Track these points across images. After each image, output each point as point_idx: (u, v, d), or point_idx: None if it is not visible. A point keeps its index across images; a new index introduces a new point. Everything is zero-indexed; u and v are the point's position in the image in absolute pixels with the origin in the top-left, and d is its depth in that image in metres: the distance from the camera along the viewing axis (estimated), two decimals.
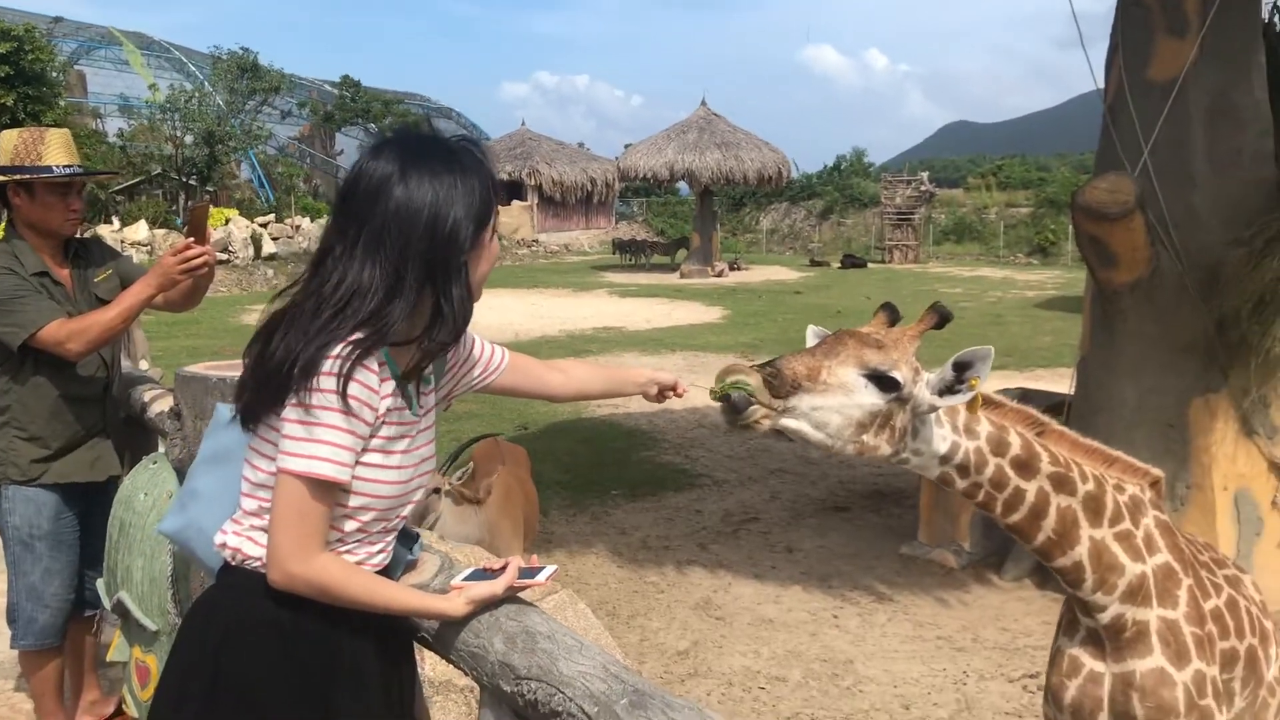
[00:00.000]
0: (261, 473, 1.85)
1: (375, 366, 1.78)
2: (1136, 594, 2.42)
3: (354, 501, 1.83)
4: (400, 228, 1.79)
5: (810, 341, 2.35)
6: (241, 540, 1.87)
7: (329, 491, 1.77)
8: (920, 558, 6.91)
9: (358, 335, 1.76)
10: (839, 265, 31.68)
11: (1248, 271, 5.56)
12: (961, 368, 2.21)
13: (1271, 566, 6.00)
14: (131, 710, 3.32)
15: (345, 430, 1.74)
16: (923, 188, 35.45)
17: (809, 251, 37.10)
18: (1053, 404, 7.07)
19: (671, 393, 2.48)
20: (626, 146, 33.42)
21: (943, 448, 2.30)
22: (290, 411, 1.75)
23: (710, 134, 30.00)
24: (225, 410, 2.12)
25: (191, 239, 3.38)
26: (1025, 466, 2.37)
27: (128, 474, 3.66)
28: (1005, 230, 35.70)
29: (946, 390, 2.22)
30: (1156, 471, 2.53)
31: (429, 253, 1.80)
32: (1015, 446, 2.36)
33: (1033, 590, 6.36)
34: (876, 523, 7.76)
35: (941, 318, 2.24)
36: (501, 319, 19.57)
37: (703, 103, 31.46)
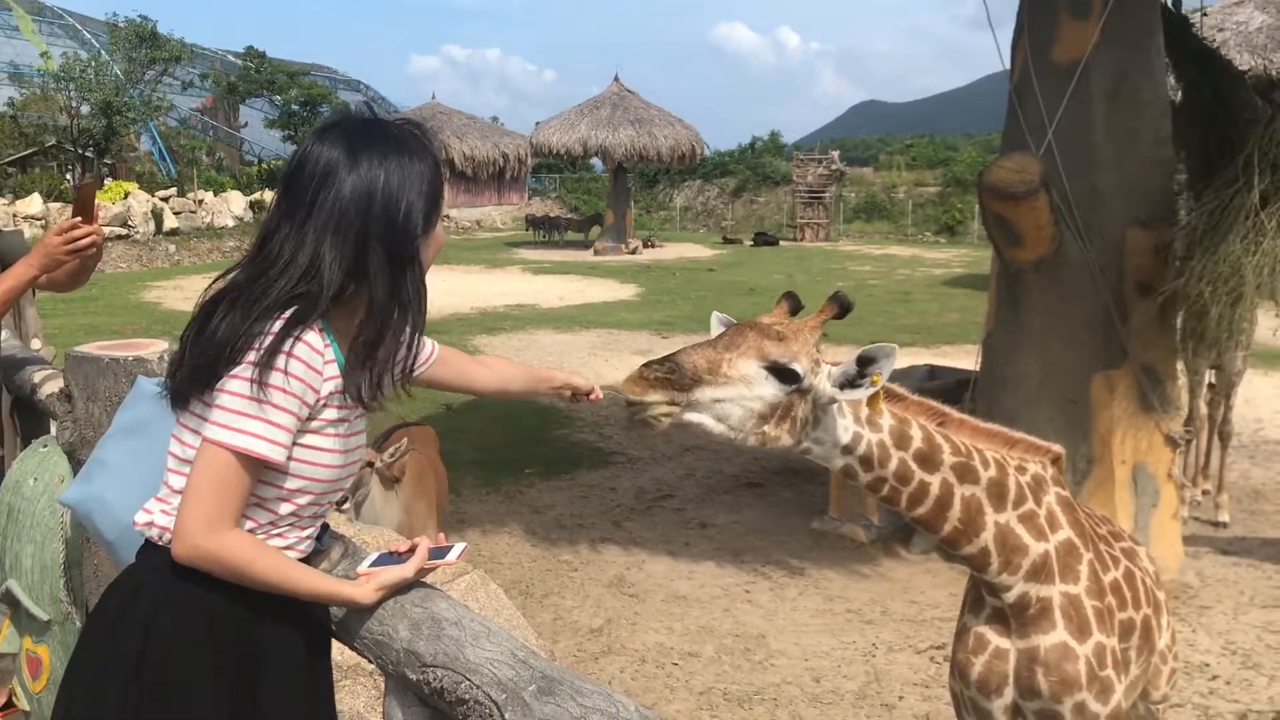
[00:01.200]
0: (190, 449, 1.78)
1: (320, 347, 1.74)
2: (1040, 572, 2.47)
3: (291, 484, 1.78)
4: (356, 211, 1.76)
5: (715, 329, 2.34)
6: (171, 519, 1.79)
7: (254, 469, 1.72)
8: (831, 532, 6.99)
9: (303, 315, 1.72)
10: (751, 243, 31.87)
11: (1165, 270, 5.71)
12: (865, 363, 2.21)
13: (1167, 536, 6.21)
14: (23, 703, 3.18)
15: (283, 410, 1.70)
16: (833, 167, 35.78)
17: (722, 229, 37.27)
18: (959, 380, 7.21)
19: (585, 398, 2.48)
20: (539, 122, 33.11)
21: (844, 438, 2.30)
22: (230, 384, 1.70)
23: (624, 110, 29.89)
24: (146, 383, 2.05)
25: (78, 218, 3.23)
26: (928, 460, 2.38)
27: (14, 458, 3.51)
28: (914, 209, 36.27)
29: (848, 384, 2.22)
30: (1057, 448, 2.57)
31: (386, 237, 1.77)
32: (917, 439, 2.37)
33: (940, 563, 6.48)
34: (789, 498, 7.84)
35: (842, 308, 2.24)
36: None
37: (615, 79, 31.32)
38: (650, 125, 29.72)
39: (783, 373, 2.17)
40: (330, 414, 1.79)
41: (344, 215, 1.75)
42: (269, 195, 30.99)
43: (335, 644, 2.02)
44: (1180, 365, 6.66)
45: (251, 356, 1.70)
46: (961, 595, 2.80)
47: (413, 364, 2.02)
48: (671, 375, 2.10)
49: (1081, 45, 5.86)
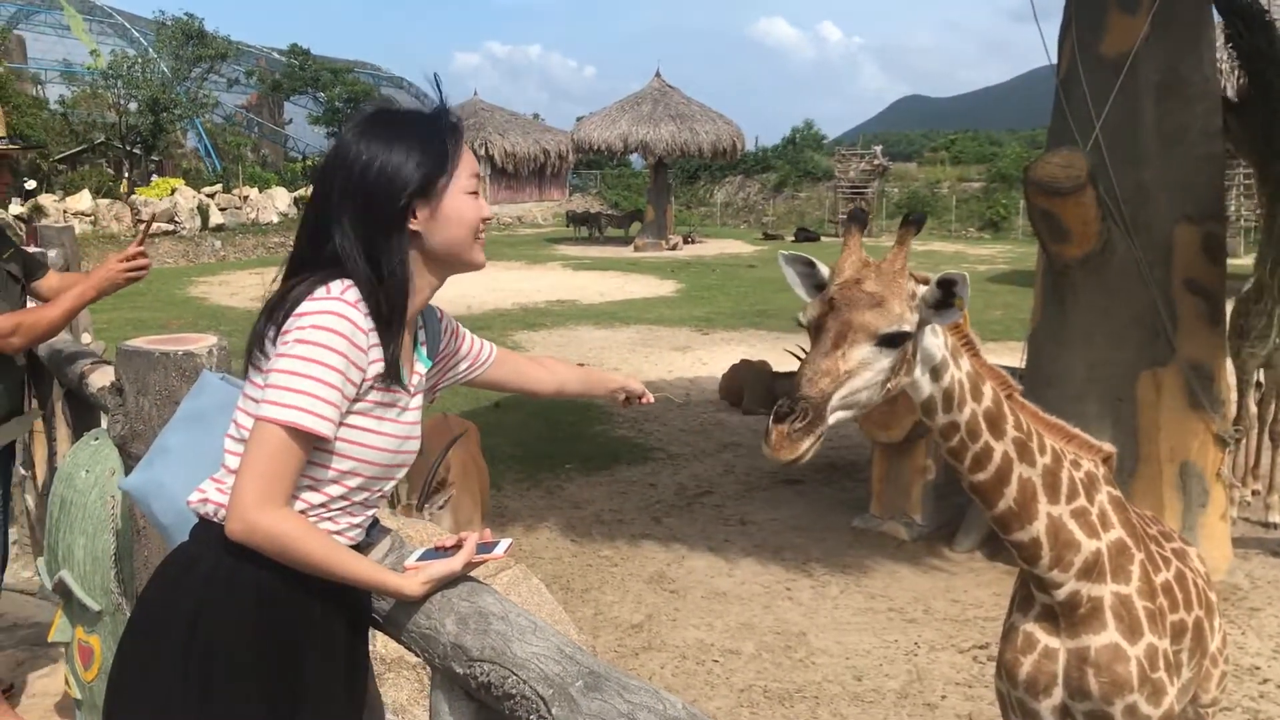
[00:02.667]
0: (245, 429, 1.82)
1: (362, 324, 1.77)
2: (1092, 570, 2.43)
3: (342, 465, 1.81)
4: (367, 182, 1.82)
5: (787, 271, 2.35)
6: (225, 496, 1.83)
7: (306, 443, 1.74)
8: (872, 530, 6.95)
9: (347, 291, 1.77)
10: (793, 239, 31.75)
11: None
12: (946, 285, 2.19)
13: (1215, 537, 6.12)
14: (74, 692, 3.24)
15: (330, 385, 1.73)
16: (876, 161, 35.56)
17: (763, 225, 37.15)
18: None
19: (639, 401, 2.52)
20: (580, 118, 33.16)
21: (936, 356, 2.28)
22: (277, 362, 1.74)
23: (664, 106, 29.84)
24: (211, 376, 2.14)
25: (141, 248, 3.52)
26: (994, 423, 2.36)
27: (67, 450, 3.57)
28: (957, 205, 35.94)
29: (940, 305, 2.21)
30: (1109, 447, 2.54)
31: (373, 205, 1.82)
32: (988, 397, 2.35)
33: (983, 562, 6.43)
34: (829, 495, 7.80)
35: (918, 225, 2.22)
36: (454, 292, 19.25)
37: (657, 74, 31.28)
38: (691, 121, 29.65)
39: (894, 339, 2.15)
40: (377, 396, 1.82)
41: (345, 191, 1.82)
42: None
43: (378, 636, 2.04)
44: (1229, 364, 6.56)
45: (298, 332, 1.74)
46: (1006, 594, 2.77)
47: (453, 368, 2.05)
48: (807, 419, 2.07)
49: (1130, 39, 5.78)
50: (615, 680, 1.43)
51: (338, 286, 1.78)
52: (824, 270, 2.31)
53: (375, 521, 2.04)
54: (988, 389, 2.36)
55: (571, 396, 2.52)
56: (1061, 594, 2.46)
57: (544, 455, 8.64)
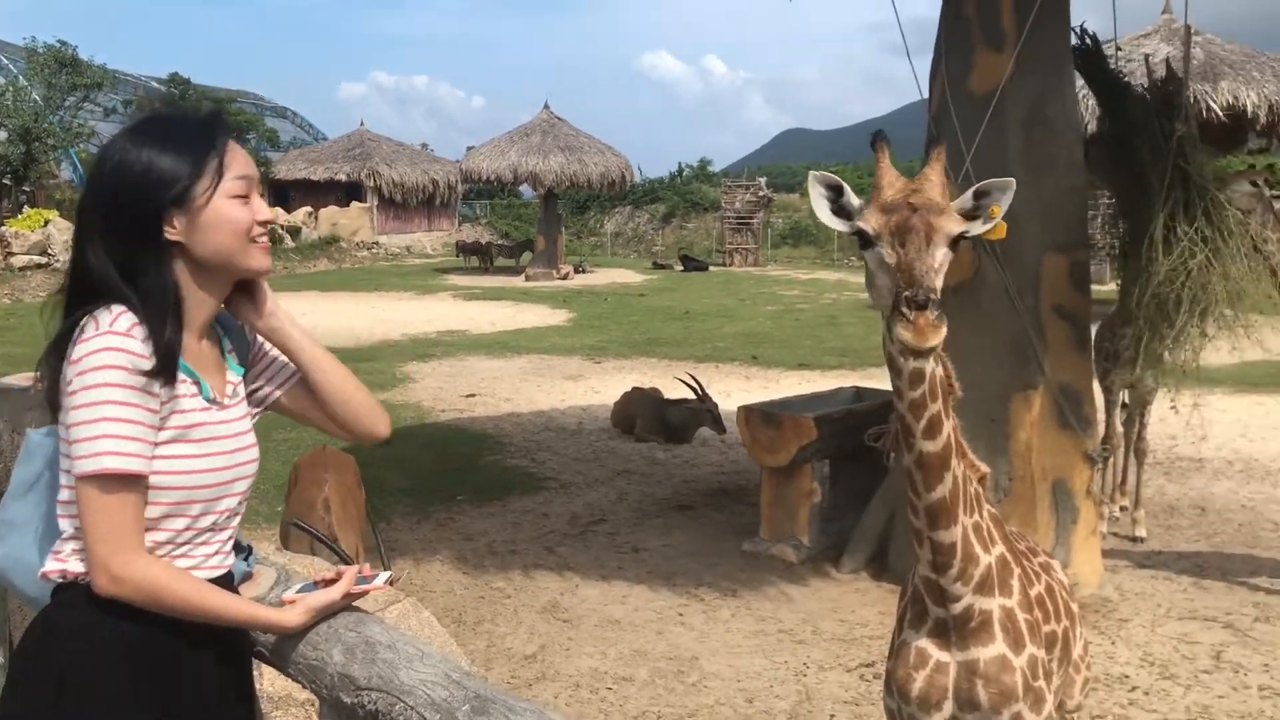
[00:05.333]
0: (68, 490, 1.77)
1: (145, 351, 1.72)
2: (984, 584, 2.54)
3: (172, 497, 1.78)
4: (112, 191, 1.78)
5: (813, 190, 2.46)
6: (66, 562, 1.79)
7: (130, 484, 1.70)
8: (762, 553, 7.07)
9: (117, 320, 1.72)
10: (681, 268, 32.10)
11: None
12: (981, 195, 2.36)
13: (1086, 551, 6.39)
14: None
15: (127, 420, 1.68)
16: (760, 193, 36.18)
17: (652, 255, 37.47)
18: (885, 401, 7.33)
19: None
20: (469, 148, 33.07)
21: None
22: (69, 414, 1.70)
23: (554, 137, 29.98)
24: (34, 435, 2.03)
25: None
26: (945, 401, 2.44)
27: None
28: (839, 234, 36.73)
29: (970, 216, 2.35)
30: (984, 468, 2.66)
31: (123, 212, 1.78)
32: (941, 369, 2.45)
33: (868, 582, 6.59)
34: (720, 520, 7.90)
35: (944, 145, 2.42)
36: (340, 323, 19.11)
37: (546, 106, 31.43)
38: (580, 152, 29.83)
39: (958, 240, 2.31)
40: (179, 420, 1.77)
41: (105, 197, 1.78)
42: None
43: (265, 675, 2.02)
44: (1096, 385, 6.88)
45: (75, 382, 1.69)
46: (890, 613, 2.85)
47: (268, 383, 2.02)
48: (939, 308, 2.20)
49: (997, 75, 6.06)
50: (502, 703, 1.45)
51: (106, 318, 1.72)
52: (852, 197, 2.44)
53: (250, 550, 2.03)
54: (942, 362, 2.45)
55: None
56: (958, 607, 2.54)
57: (435, 487, 8.56)
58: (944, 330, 2.18)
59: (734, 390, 12.52)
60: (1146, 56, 15.38)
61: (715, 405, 10.04)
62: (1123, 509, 7.90)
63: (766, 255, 35.66)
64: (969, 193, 2.34)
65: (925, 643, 2.62)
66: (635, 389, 10.85)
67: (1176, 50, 15.91)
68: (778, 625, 5.96)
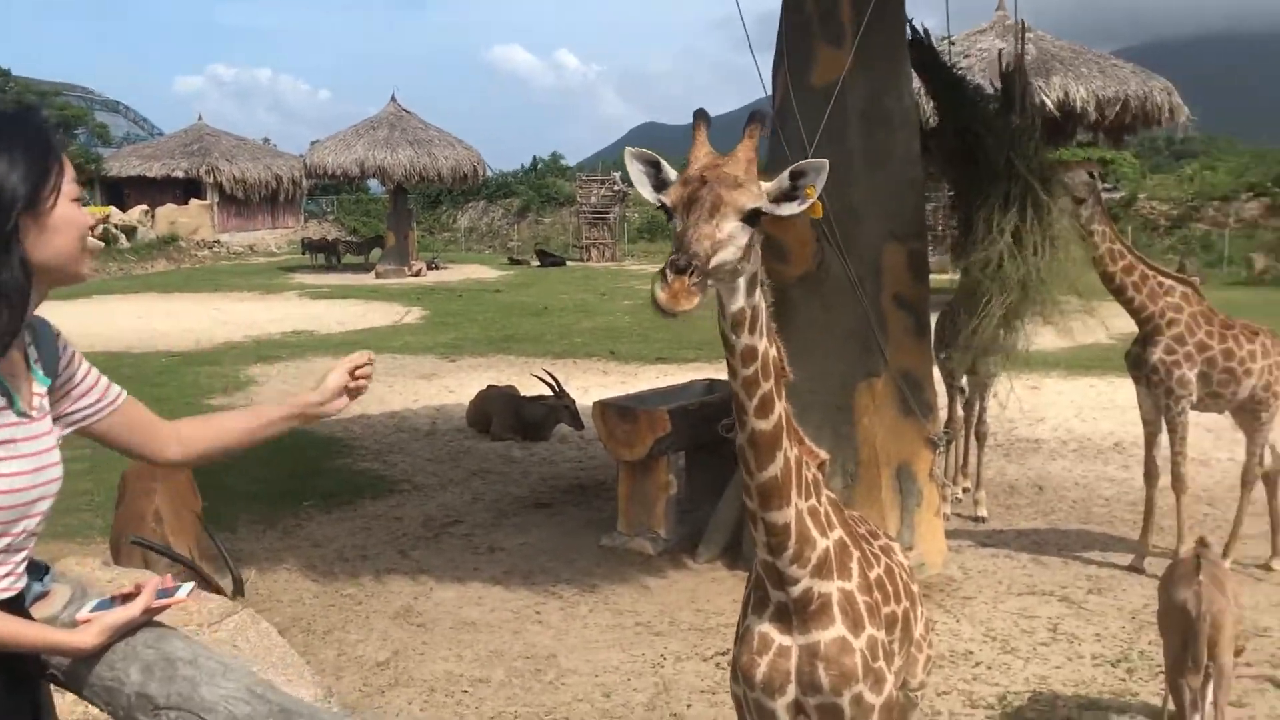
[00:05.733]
0: None
1: None
2: (822, 567, 2.57)
3: None
4: None
5: (632, 168, 2.44)
6: None
7: None
8: (620, 547, 7.07)
9: None
10: (538, 264, 31.95)
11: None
12: (797, 176, 2.34)
13: (931, 533, 6.60)
14: None
15: None
16: (615, 187, 36.30)
17: (508, 250, 37.19)
18: None
19: (360, 373, 2.32)
20: (313, 143, 32.20)
21: (757, 265, 2.39)
22: None
23: (402, 131, 29.41)
24: None
25: None
26: (778, 380, 2.46)
27: None
28: None
29: (784, 198, 2.35)
30: (823, 454, 2.70)
31: None
32: (775, 350, 2.46)
33: (724, 571, 6.66)
34: (578, 516, 7.88)
35: (763, 120, 2.38)
36: (180, 324, 18.37)
37: (393, 98, 30.79)
38: (430, 146, 29.35)
39: (754, 217, 2.28)
40: None
41: None
42: None
43: (63, 701, 1.90)
44: (936, 372, 7.11)
45: None
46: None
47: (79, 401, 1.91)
48: (700, 276, 2.16)
49: (836, 70, 6.18)
50: (307, 714, 1.39)
51: None
52: (670, 173, 2.41)
53: (47, 569, 1.90)
54: (775, 344, 2.49)
55: (244, 446, 2.22)
56: (796, 590, 2.57)
57: (282, 493, 8.29)
58: (698, 298, 2.16)
59: (592, 386, 12.50)
60: (1001, 52, 16.03)
61: (572, 401, 10.00)
62: (965, 490, 8.20)
63: (624, 249, 35.81)
64: (785, 174, 2.36)
65: (768, 628, 2.65)
66: (490, 387, 10.73)
67: (1011, 46, 16.62)
68: (635, 618, 5.97)
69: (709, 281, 2.22)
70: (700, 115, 2.44)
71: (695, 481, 7.24)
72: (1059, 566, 6.75)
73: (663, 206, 2.36)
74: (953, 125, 6.79)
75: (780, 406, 2.48)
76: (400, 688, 5.15)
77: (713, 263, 2.20)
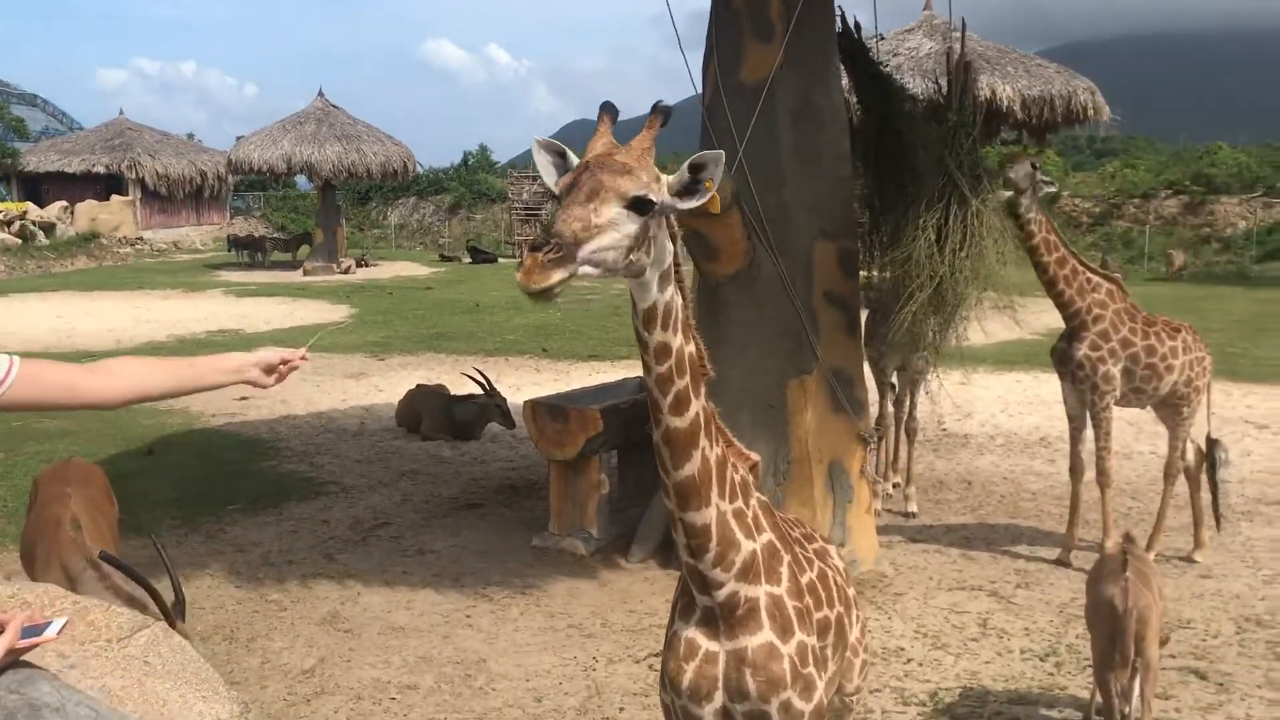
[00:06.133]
0: None
1: None
2: (749, 571, 2.52)
3: None
4: None
5: (539, 158, 2.40)
6: None
7: None
8: (551, 548, 6.99)
9: None
10: (469, 260, 31.66)
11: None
12: (697, 169, 2.29)
13: (863, 529, 6.61)
14: None
15: None
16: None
17: (439, 247, 36.81)
18: None
19: (283, 368, 2.32)
20: (239, 138, 31.57)
21: (666, 258, 2.35)
22: None
23: (330, 126, 28.93)
24: None
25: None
26: (695, 377, 2.43)
27: None
28: None
29: (685, 192, 2.30)
30: (755, 456, 2.65)
31: None
32: (693, 347, 2.44)
33: (657, 570, 6.61)
34: (510, 517, 7.78)
35: (665, 114, 2.32)
36: (101, 324, 17.88)
37: (320, 94, 30.28)
38: (359, 141, 28.91)
39: (640, 205, 2.21)
40: None
41: None
42: None
43: None
44: (867, 369, 7.13)
45: None
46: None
47: None
48: (560, 252, 2.11)
49: (766, 66, 6.15)
50: None
51: None
52: (574, 159, 2.36)
53: None
54: (694, 341, 2.45)
55: (163, 396, 2.18)
56: (722, 594, 2.52)
57: (204, 497, 8.07)
58: (555, 276, 2.11)
59: (525, 384, 12.40)
60: (911, 51, 16.17)
61: (504, 400, 9.88)
62: (895, 485, 8.25)
63: None
64: (684, 167, 2.31)
65: (694, 633, 2.60)
66: (420, 386, 10.56)
67: (938, 45, 16.75)
68: (567, 620, 5.90)
69: (588, 268, 2.19)
70: (605, 108, 2.40)
71: (627, 480, 7.20)
72: (988, 561, 6.81)
73: (554, 194, 2.33)
74: (878, 121, 6.81)
75: (697, 405, 2.45)
76: (326, 696, 5.02)
77: (587, 248, 2.16)
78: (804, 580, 2.65)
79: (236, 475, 8.69)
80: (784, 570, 2.59)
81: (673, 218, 2.38)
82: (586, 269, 2.20)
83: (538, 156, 2.42)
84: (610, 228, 2.19)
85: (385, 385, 12.58)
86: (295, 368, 2.35)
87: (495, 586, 6.38)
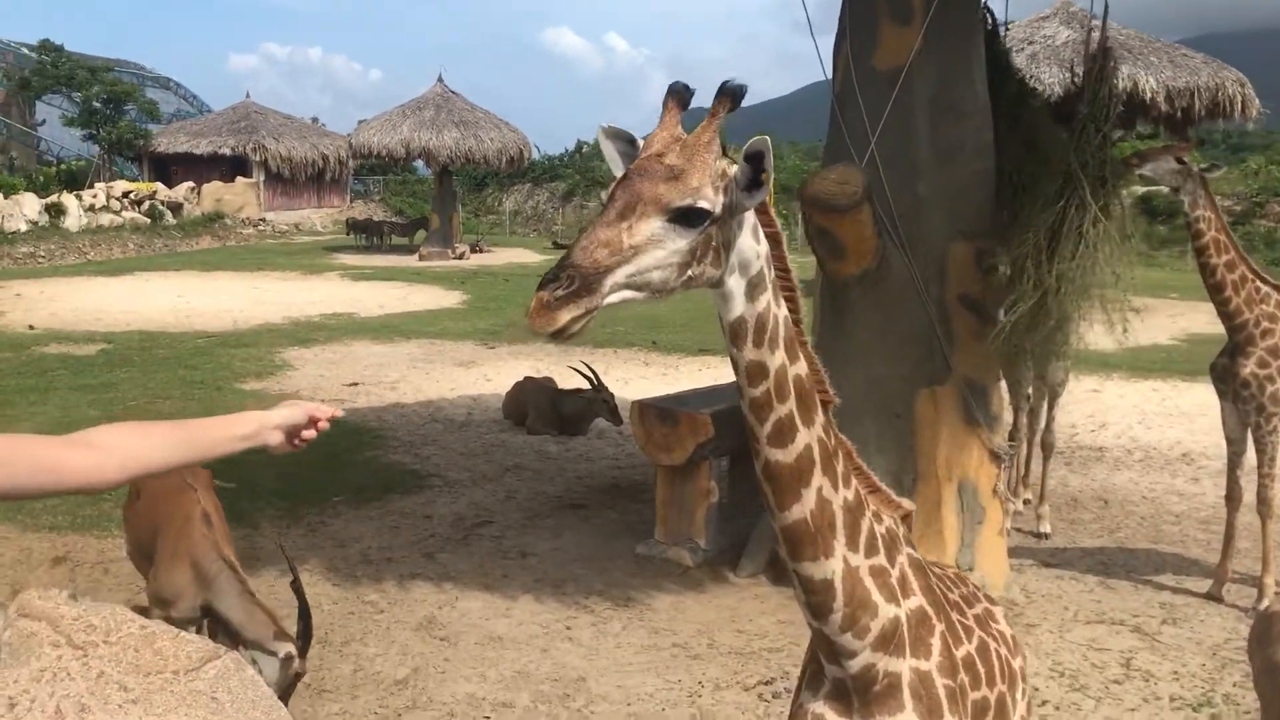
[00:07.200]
0: None
1: None
2: (889, 641, 2.14)
3: None
4: None
5: (606, 147, 2.06)
6: None
7: None
8: (656, 557, 6.67)
9: None
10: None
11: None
12: (754, 159, 1.91)
13: (993, 554, 6.13)
14: None
15: None
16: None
17: (552, 234, 36.85)
18: None
19: (307, 434, 2.01)
20: (360, 122, 31.99)
21: (754, 264, 1.98)
22: None
23: (448, 112, 29.11)
24: None
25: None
26: (804, 401, 2.03)
27: None
28: None
29: (751, 185, 1.92)
30: (909, 504, 2.26)
31: None
32: (802, 365, 2.04)
33: (768, 587, 6.23)
34: (614, 520, 7.49)
35: (734, 98, 1.91)
36: (219, 304, 18.19)
37: (439, 80, 30.48)
38: (476, 128, 29.04)
39: (689, 215, 1.87)
40: None
41: None
42: (68, 198, 28.97)
43: None
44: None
45: None
46: (791, 622, 2.47)
47: None
48: (571, 286, 1.81)
49: (904, 52, 5.70)
50: None
51: None
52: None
53: None
54: (803, 357, 2.05)
55: (168, 469, 1.84)
56: (854, 666, 2.15)
57: (310, 487, 7.96)
58: (564, 316, 1.80)
59: (632, 378, 12.12)
60: (1047, 40, 15.38)
61: (611, 395, 9.60)
62: (1026, 503, 7.72)
63: None
64: (742, 159, 1.92)
65: (823, 708, 2.22)
66: (527, 378, 10.36)
67: (1075, 33, 15.91)
68: (672, 638, 5.57)
69: (628, 293, 1.87)
70: (672, 92, 2.00)
71: (738, 489, 6.81)
72: (1129, 592, 6.27)
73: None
74: (1002, 115, 6.26)
75: (807, 436, 2.04)
76: (418, 710, 4.78)
77: (620, 276, 1.83)
78: (960, 654, 2.25)
79: (342, 465, 8.58)
80: (935, 641, 2.19)
81: (753, 214, 2.00)
82: (627, 295, 1.88)
83: (605, 146, 2.08)
84: (652, 246, 1.86)
85: (494, 375, 12.43)
86: (324, 428, 2.04)
87: (596, 597, 6.09)
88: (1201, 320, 17.53)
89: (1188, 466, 9.07)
